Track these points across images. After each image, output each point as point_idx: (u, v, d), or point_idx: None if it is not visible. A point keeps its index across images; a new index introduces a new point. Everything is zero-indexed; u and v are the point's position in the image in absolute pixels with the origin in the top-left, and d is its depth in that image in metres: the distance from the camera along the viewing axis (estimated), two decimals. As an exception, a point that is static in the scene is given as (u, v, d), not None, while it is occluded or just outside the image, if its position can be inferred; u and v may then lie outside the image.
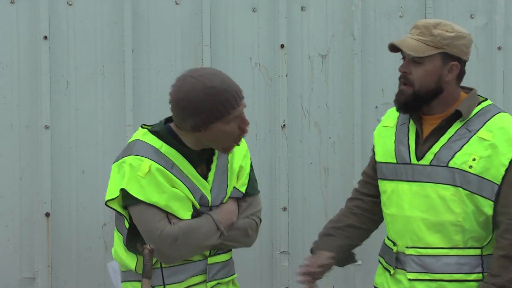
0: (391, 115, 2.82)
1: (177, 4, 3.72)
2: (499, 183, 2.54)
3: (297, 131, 3.83)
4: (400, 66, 2.68)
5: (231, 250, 2.64)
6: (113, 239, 2.62)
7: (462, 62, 2.64)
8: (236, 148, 2.62)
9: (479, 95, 2.71)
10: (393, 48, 2.69)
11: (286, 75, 3.79)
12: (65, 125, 3.62)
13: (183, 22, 3.73)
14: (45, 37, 3.58)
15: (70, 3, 3.63)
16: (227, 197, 2.58)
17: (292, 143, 3.82)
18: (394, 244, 2.68)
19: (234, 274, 2.66)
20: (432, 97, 2.63)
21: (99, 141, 3.65)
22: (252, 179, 2.66)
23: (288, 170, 3.80)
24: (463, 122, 2.62)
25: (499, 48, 3.98)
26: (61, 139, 3.62)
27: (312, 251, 2.81)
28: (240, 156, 2.64)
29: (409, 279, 2.62)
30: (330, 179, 3.86)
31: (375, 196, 2.83)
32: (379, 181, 2.76)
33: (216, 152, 2.58)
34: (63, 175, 3.62)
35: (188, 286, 2.51)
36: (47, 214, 3.58)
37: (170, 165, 2.47)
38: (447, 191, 2.60)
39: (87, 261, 3.64)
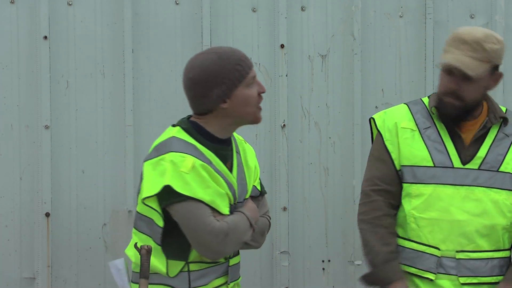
0: (404, 116, 2.76)
1: (177, 4, 3.72)
2: None
3: (297, 131, 3.83)
4: (449, 82, 2.63)
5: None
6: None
7: None
8: (247, 148, 2.64)
9: None
10: (446, 66, 2.64)
11: (286, 75, 3.79)
12: (65, 125, 3.62)
13: (183, 22, 3.72)
14: (45, 37, 3.57)
15: (70, 3, 3.63)
16: (248, 194, 2.58)
17: (292, 143, 3.82)
18: (437, 249, 2.65)
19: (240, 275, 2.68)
20: (477, 106, 2.67)
21: (99, 141, 3.65)
22: (260, 179, 2.69)
23: (288, 170, 3.80)
24: (499, 126, 2.68)
25: (499, 48, 3.97)
26: (61, 139, 3.62)
27: (381, 280, 2.69)
28: (253, 155, 2.66)
29: (462, 284, 2.61)
30: (330, 179, 3.86)
31: (397, 206, 2.76)
32: (407, 185, 2.69)
33: (235, 147, 2.58)
34: (63, 175, 3.62)
35: None
36: (47, 214, 3.58)
37: (208, 161, 2.45)
38: (500, 195, 2.62)
39: (87, 261, 3.64)
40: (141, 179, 2.50)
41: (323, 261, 3.87)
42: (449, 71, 2.62)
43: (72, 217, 3.63)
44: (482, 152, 2.65)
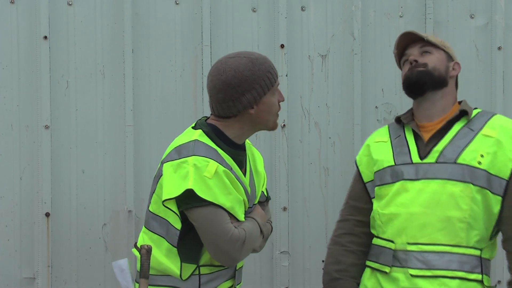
0: (381, 133, 2.89)
1: (177, 4, 3.72)
2: (507, 178, 2.61)
3: (297, 131, 3.83)
4: (408, 65, 2.82)
5: None
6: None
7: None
8: (256, 152, 2.65)
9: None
10: (399, 47, 2.85)
11: (286, 75, 3.79)
12: (65, 125, 3.62)
13: (183, 22, 3.73)
14: (45, 37, 3.58)
15: (70, 3, 3.63)
16: (256, 200, 2.60)
17: (292, 143, 3.82)
18: (392, 242, 2.69)
19: None
20: (440, 84, 2.75)
21: (99, 141, 3.65)
22: None
23: (288, 170, 3.80)
24: (465, 123, 2.70)
25: (499, 48, 3.97)
26: (61, 139, 3.62)
27: None
28: (261, 160, 2.67)
29: (412, 275, 2.62)
30: (330, 179, 3.86)
31: (365, 223, 2.83)
32: (377, 188, 2.77)
33: (248, 153, 2.59)
34: (63, 175, 3.62)
35: None
36: (47, 214, 3.59)
37: (229, 167, 2.45)
38: (456, 187, 2.62)
39: (87, 261, 3.64)
40: (156, 179, 2.48)
41: (323, 261, 3.85)
42: (406, 60, 2.83)
43: (72, 217, 3.63)
44: (440, 146, 2.68)
